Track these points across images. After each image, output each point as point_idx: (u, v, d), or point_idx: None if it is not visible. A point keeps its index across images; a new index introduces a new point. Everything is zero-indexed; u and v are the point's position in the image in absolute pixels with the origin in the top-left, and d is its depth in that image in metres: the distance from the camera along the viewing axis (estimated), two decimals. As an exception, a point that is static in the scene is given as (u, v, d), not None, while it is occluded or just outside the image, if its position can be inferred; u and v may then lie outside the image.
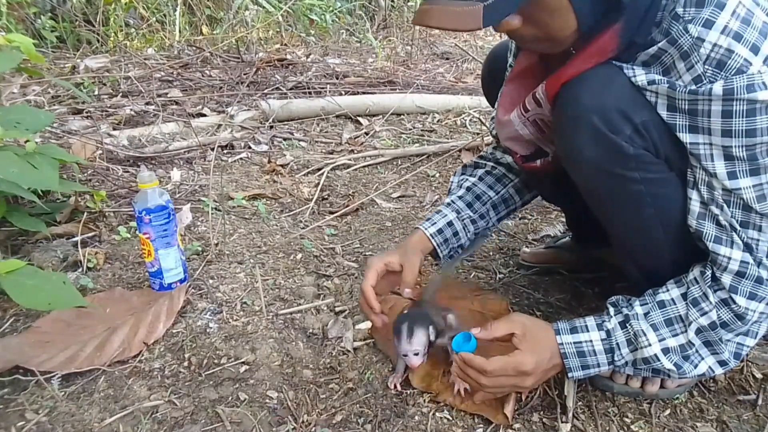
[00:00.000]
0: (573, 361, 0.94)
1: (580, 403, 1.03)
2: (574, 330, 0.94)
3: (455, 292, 1.36)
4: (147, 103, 2.66)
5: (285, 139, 2.43)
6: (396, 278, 1.14)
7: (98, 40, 3.59)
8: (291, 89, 2.97)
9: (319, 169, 2.11)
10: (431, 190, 2.01)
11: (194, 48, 3.73)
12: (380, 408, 1.01)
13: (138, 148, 2.17)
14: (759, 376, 1.07)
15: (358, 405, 1.02)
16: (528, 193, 1.30)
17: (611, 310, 0.96)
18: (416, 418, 0.99)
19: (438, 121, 2.73)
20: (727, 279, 0.86)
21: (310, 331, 1.22)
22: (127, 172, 1.98)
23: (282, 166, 2.13)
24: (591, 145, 0.86)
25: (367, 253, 1.56)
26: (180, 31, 3.88)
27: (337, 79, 3.23)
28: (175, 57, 3.52)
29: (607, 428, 0.98)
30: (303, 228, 1.69)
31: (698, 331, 0.89)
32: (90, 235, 1.53)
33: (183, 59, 3.45)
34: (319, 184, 1.98)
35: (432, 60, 4.13)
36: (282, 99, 2.77)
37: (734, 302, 0.86)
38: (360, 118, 2.69)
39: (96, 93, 2.76)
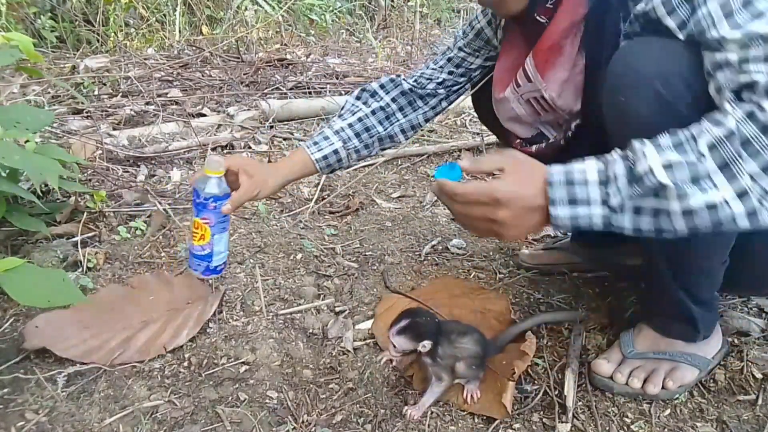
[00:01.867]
0: (559, 190, 0.76)
1: (580, 403, 1.03)
2: (569, 165, 0.79)
3: (456, 291, 1.36)
4: (147, 103, 2.66)
5: (285, 139, 2.42)
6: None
7: (98, 40, 3.58)
8: (291, 89, 2.97)
9: (319, 169, 2.11)
10: (431, 190, 2.02)
11: (194, 48, 3.73)
12: (380, 408, 1.01)
13: (138, 148, 2.17)
14: (759, 376, 1.07)
15: (358, 405, 1.02)
16: (411, 134, 1.38)
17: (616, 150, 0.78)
18: (416, 417, 0.99)
19: (438, 121, 2.73)
20: (759, 90, 0.68)
21: (310, 331, 1.22)
22: (127, 172, 1.98)
23: (282, 166, 2.13)
24: (650, 108, 0.81)
25: (367, 253, 1.56)
26: (180, 31, 3.88)
27: (337, 79, 3.23)
28: (175, 57, 3.52)
29: (607, 428, 0.98)
30: (303, 228, 1.69)
31: (712, 146, 0.69)
32: (90, 235, 1.53)
33: (183, 59, 3.45)
34: (319, 184, 1.98)
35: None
36: (282, 99, 2.77)
37: (763, 109, 0.66)
38: (360, 118, 2.69)
39: (96, 93, 2.76)
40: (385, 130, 1.32)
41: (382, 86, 1.34)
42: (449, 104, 1.38)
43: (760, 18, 0.69)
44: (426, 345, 0.98)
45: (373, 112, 1.31)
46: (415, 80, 1.35)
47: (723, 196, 0.68)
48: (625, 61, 0.86)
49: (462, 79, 1.34)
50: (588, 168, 0.76)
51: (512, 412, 0.99)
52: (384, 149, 1.40)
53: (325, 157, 1.27)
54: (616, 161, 0.75)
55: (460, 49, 1.31)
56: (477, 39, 1.28)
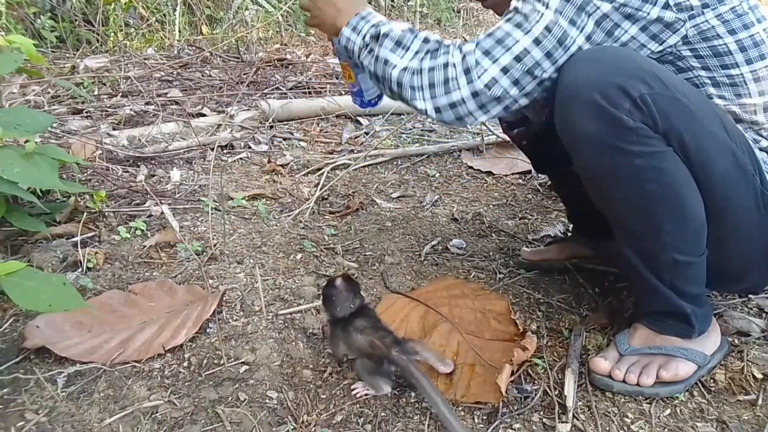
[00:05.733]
0: (356, 19, 1.09)
1: (580, 403, 1.03)
2: (377, 13, 1.11)
3: (456, 291, 1.36)
4: (147, 103, 2.66)
5: (285, 139, 2.42)
6: None
7: (98, 40, 3.58)
8: (291, 89, 2.97)
9: (319, 169, 2.11)
10: (431, 190, 2.01)
11: (194, 48, 3.73)
12: (380, 408, 1.01)
13: (138, 148, 2.17)
14: (759, 376, 1.07)
15: (358, 405, 1.02)
16: None
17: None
18: (416, 417, 0.99)
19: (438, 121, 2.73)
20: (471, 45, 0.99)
21: (310, 331, 1.22)
22: (127, 172, 1.98)
23: (282, 166, 2.13)
24: (592, 120, 0.89)
25: (367, 253, 1.56)
26: (180, 31, 3.88)
27: (336, 78, 3.23)
28: (174, 57, 3.52)
29: (607, 428, 0.98)
30: (303, 228, 1.69)
31: (425, 39, 1.03)
32: (90, 235, 1.53)
33: (183, 59, 3.45)
34: (319, 184, 1.98)
35: (432, 60, 4.12)
36: (282, 99, 2.77)
37: (458, 52, 0.99)
38: (360, 118, 2.69)
39: (96, 93, 2.76)
40: None
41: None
42: None
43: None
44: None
45: None
46: None
47: (400, 63, 1.02)
48: (567, 75, 0.92)
49: None
50: (376, 15, 1.10)
51: (506, 393, 1.00)
52: None
53: None
54: (385, 19, 1.09)
55: None
56: None
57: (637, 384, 1.03)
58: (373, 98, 1.35)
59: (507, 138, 2.30)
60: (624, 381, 1.04)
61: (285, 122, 2.61)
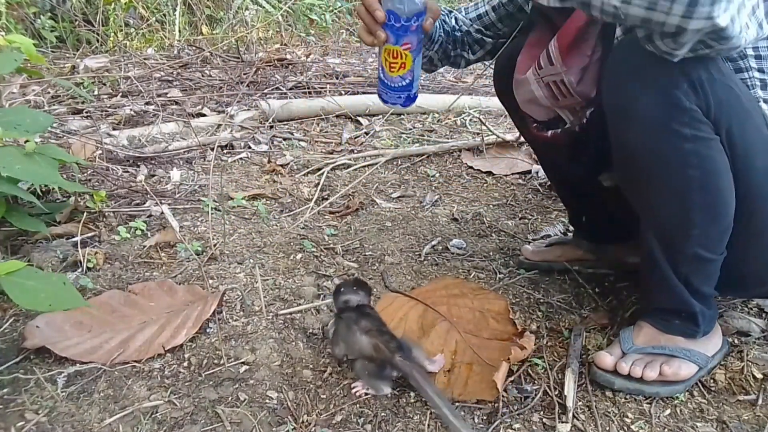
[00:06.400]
0: None
1: (580, 403, 1.03)
2: None
3: (455, 290, 1.36)
4: (147, 103, 2.66)
5: (285, 139, 2.42)
6: None
7: (98, 40, 3.58)
8: (291, 89, 2.97)
9: (319, 169, 2.11)
10: (431, 190, 2.01)
11: (194, 48, 3.73)
12: (380, 408, 1.01)
13: (138, 148, 2.17)
14: (759, 376, 1.07)
15: (358, 405, 1.02)
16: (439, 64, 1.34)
17: None
18: (416, 417, 0.99)
19: (438, 120, 2.73)
20: None
21: (310, 331, 1.22)
22: (127, 172, 1.98)
23: (282, 166, 2.13)
24: (646, 96, 0.87)
25: (367, 253, 1.56)
26: (180, 31, 3.88)
27: (337, 79, 3.23)
28: (174, 57, 3.52)
29: (607, 428, 0.98)
30: (303, 228, 1.69)
31: None
32: (90, 235, 1.53)
33: (183, 59, 3.45)
34: (319, 184, 1.98)
35: (432, 60, 4.12)
36: (282, 99, 2.77)
37: None
38: (360, 118, 2.69)
39: (96, 93, 2.76)
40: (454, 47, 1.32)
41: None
42: (466, 63, 1.35)
43: None
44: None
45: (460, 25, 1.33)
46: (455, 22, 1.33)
47: None
48: (626, 51, 0.89)
49: (487, 41, 1.31)
50: None
51: (504, 392, 1.00)
52: (442, 55, 1.32)
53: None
54: None
55: (494, 9, 1.28)
56: (510, 2, 1.25)
57: (641, 377, 1.03)
58: (417, 90, 1.16)
59: (506, 138, 2.32)
60: (629, 374, 1.03)
61: (285, 122, 2.61)
